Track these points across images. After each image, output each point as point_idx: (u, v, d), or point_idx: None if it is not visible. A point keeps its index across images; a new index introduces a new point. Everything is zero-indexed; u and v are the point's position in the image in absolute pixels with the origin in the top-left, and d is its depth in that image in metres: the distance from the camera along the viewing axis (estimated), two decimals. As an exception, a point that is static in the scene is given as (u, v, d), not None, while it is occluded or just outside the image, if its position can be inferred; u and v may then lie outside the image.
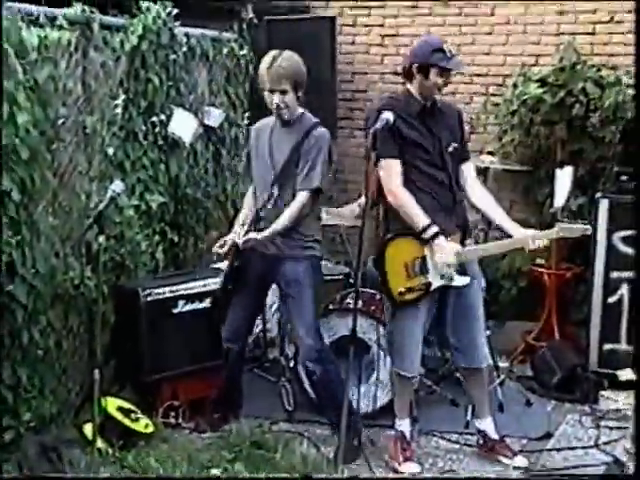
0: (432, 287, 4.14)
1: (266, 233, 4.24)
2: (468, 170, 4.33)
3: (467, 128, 4.42)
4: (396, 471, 4.23)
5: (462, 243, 4.19)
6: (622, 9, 6.07)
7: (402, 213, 4.08)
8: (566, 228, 4.18)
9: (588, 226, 4.18)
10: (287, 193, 4.37)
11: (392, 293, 4.17)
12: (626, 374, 2.83)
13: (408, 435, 4.39)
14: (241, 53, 6.14)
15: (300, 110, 4.43)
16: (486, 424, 4.44)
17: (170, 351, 4.77)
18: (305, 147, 4.37)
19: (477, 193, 4.29)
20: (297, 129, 4.42)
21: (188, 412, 4.72)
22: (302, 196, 4.28)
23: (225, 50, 6.02)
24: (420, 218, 4.04)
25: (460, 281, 4.14)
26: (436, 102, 4.19)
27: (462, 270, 4.13)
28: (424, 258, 4.10)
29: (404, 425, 4.39)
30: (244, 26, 6.19)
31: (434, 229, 4.02)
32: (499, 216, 4.24)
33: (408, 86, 4.15)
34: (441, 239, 4.05)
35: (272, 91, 4.30)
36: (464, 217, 4.25)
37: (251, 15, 6.18)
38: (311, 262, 4.42)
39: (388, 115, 3.94)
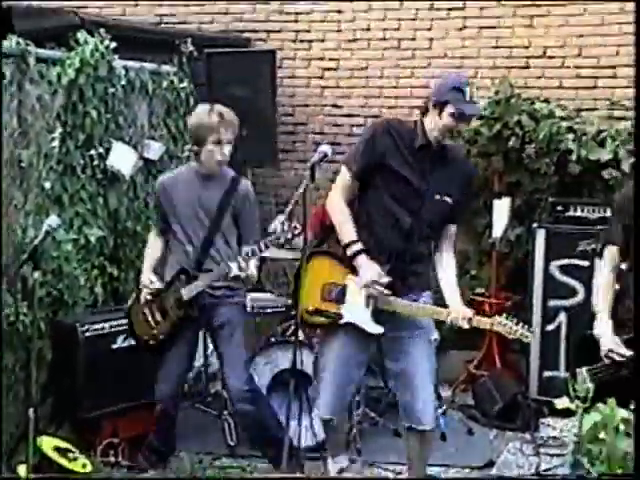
0: (342, 320, 3.87)
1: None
2: (450, 233, 3.98)
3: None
4: None
5: (394, 289, 3.82)
6: (554, 44, 6.25)
7: (334, 222, 3.90)
8: (502, 323, 3.76)
9: (529, 334, 3.79)
10: (220, 245, 4.40)
11: (301, 309, 3.91)
12: (563, 402, 2.87)
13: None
14: (181, 86, 6.12)
15: None
16: None
17: (109, 387, 4.70)
18: (237, 200, 4.40)
19: (443, 258, 3.96)
20: (219, 181, 4.42)
21: (128, 450, 4.65)
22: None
23: (165, 83, 5.98)
24: (348, 232, 3.82)
25: (373, 328, 3.85)
26: (445, 147, 3.85)
27: (381, 318, 3.85)
28: (344, 287, 3.88)
29: (341, 460, 4.31)
30: (184, 59, 6.16)
31: (357, 247, 3.78)
32: (448, 285, 3.91)
33: (422, 118, 3.83)
34: (361, 258, 3.77)
35: (220, 142, 4.28)
36: (411, 266, 3.88)
37: (190, 48, 6.16)
38: (241, 307, 4.50)
39: (326, 148, 3.81)
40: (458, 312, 3.76)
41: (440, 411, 5.20)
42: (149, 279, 4.41)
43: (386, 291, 3.78)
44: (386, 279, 3.76)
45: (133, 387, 4.76)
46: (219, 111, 4.31)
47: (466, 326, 3.74)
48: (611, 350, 3.81)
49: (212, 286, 4.32)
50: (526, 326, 3.76)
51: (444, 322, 3.82)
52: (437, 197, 3.81)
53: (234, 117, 4.35)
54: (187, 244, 4.43)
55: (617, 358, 3.77)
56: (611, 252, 4.05)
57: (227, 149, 4.31)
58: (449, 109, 3.67)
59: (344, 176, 3.88)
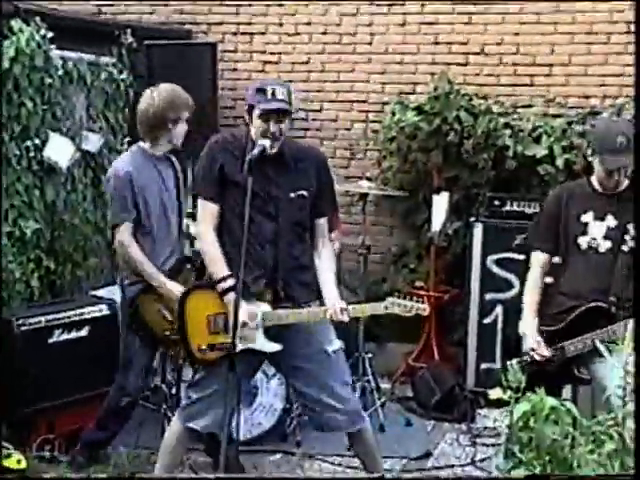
0: (237, 349, 3.55)
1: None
2: (321, 228, 3.90)
3: (333, 176, 4.05)
4: None
5: (277, 305, 3.73)
6: (492, 42, 6.34)
7: (206, 260, 3.79)
8: (396, 303, 3.72)
9: (424, 305, 3.74)
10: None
11: (191, 349, 3.79)
12: (496, 393, 2.91)
13: None
14: (120, 77, 6.13)
15: None
16: None
17: (46, 382, 4.66)
18: (179, 175, 4.50)
19: (320, 254, 3.87)
20: (165, 161, 4.48)
21: (65, 445, 4.61)
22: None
23: (103, 74, 5.98)
24: (218, 269, 3.69)
25: (270, 347, 3.73)
26: (284, 147, 3.74)
27: (279, 334, 3.73)
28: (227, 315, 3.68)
29: None
30: (123, 51, 6.17)
31: (227, 284, 3.64)
32: (325, 281, 3.81)
33: (248, 128, 3.77)
34: (230, 297, 3.60)
35: (178, 121, 4.35)
36: (290, 277, 3.77)
37: (130, 40, 6.16)
38: None
39: (265, 142, 3.60)
40: (334, 307, 3.67)
41: (378, 404, 5.26)
42: (173, 287, 4.26)
43: (263, 308, 3.69)
44: (259, 316, 3.67)
45: (70, 382, 4.73)
46: (170, 89, 4.39)
47: (346, 318, 3.66)
48: (533, 349, 3.93)
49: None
50: (420, 299, 3.74)
51: (382, 317, 3.81)
52: (292, 195, 3.74)
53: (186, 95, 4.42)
54: (166, 230, 4.42)
55: (537, 358, 3.90)
56: (535, 255, 4.16)
57: (185, 127, 4.39)
58: (256, 111, 3.63)
59: (202, 205, 3.78)
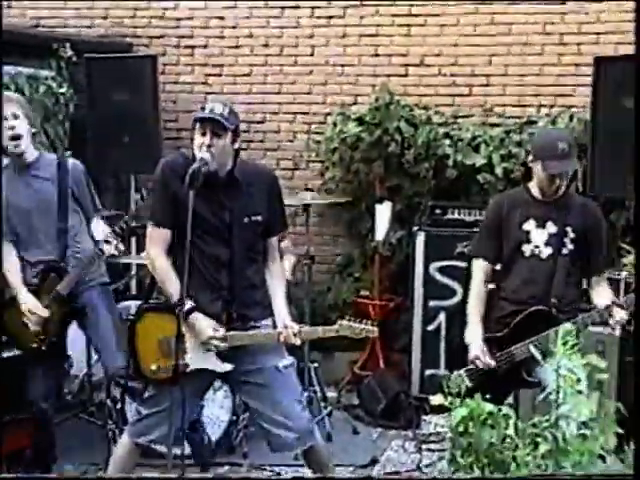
0: (189, 369, 3.67)
1: None
2: (270, 246, 3.92)
3: (283, 196, 4.04)
4: None
5: (230, 325, 3.74)
6: (431, 53, 6.43)
7: (158, 280, 3.79)
8: (347, 327, 3.80)
9: (373, 328, 3.79)
10: (74, 230, 4.44)
11: (144, 371, 3.80)
12: (437, 399, 2.96)
13: None
14: (60, 91, 6.07)
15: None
16: None
17: None
18: (72, 181, 4.42)
19: (271, 272, 3.88)
20: (46, 168, 4.42)
21: (5, 465, 4.48)
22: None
23: (42, 88, 5.92)
24: (174, 292, 3.64)
25: (221, 367, 3.76)
26: (234, 168, 3.73)
27: (228, 355, 3.74)
28: (182, 336, 3.61)
29: None
30: (63, 64, 6.13)
31: (187, 305, 3.61)
32: (277, 300, 3.84)
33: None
34: (194, 316, 3.66)
35: None
36: (244, 298, 3.78)
37: (70, 53, 6.13)
38: (101, 288, 4.51)
39: (206, 155, 3.56)
40: (287, 330, 3.71)
41: (325, 413, 5.31)
42: (34, 307, 4.30)
43: (222, 334, 3.69)
44: (221, 331, 3.69)
45: (10, 400, 4.53)
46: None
47: (298, 342, 3.74)
48: (477, 357, 3.98)
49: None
50: (368, 322, 3.81)
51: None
52: (246, 220, 3.73)
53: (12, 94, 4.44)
54: (37, 242, 4.38)
55: (481, 366, 3.95)
56: (477, 264, 4.21)
57: (11, 125, 4.27)
58: (194, 123, 3.63)
59: (153, 229, 3.77)
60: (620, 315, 3.82)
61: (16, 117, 4.28)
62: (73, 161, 4.52)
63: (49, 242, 4.39)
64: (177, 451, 3.80)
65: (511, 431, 2.79)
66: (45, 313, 4.33)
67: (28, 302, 4.33)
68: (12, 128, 4.27)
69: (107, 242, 4.35)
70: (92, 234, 4.46)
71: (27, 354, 4.47)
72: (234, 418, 4.98)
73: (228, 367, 3.74)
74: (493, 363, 3.99)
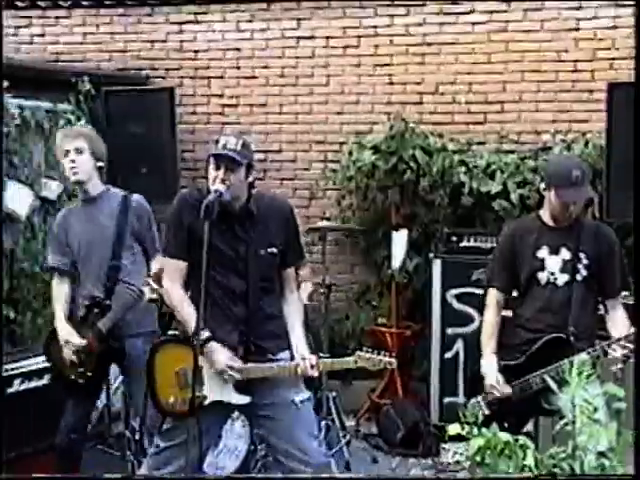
0: (207, 401, 3.71)
1: None
2: (287, 277, 3.91)
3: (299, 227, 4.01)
4: None
5: (248, 357, 3.74)
6: (446, 81, 6.47)
7: (177, 316, 3.80)
8: (365, 359, 3.79)
9: (391, 359, 3.78)
10: (127, 268, 4.39)
11: (161, 403, 3.80)
12: (455, 428, 2.95)
13: None
14: (79, 124, 6.05)
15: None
16: None
17: (7, 433, 4.51)
18: (134, 217, 4.42)
19: (288, 304, 3.87)
20: (108, 203, 4.44)
21: None
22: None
23: (62, 121, 5.95)
24: (190, 323, 3.65)
25: (238, 399, 3.76)
26: (249, 200, 3.75)
27: (245, 387, 3.75)
28: (199, 368, 3.64)
29: None
30: (81, 97, 6.19)
31: (203, 335, 3.62)
32: (294, 332, 3.83)
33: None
34: (211, 345, 3.66)
35: (67, 153, 4.36)
36: (260, 330, 3.78)
37: (88, 86, 6.19)
38: (151, 338, 4.42)
39: (221, 187, 3.61)
40: (304, 362, 3.70)
41: (343, 442, 5.25)
42: (69, 336, 4.29)
43: (239, 365, 3.69)
44: (238, 362, 3.69)
45: (30, 432, 4.70)
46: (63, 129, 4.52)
47: (315, 374, 3.73)
48: (493, 387, 3.98)
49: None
50: (386, 353, 3.78)
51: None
52: (262, 252, 3.74)
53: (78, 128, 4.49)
54: (90, 275, 4.39)
55: (498, 395, 3.95)
56: (492, 293, 4.20)
57: (72, 159, 4.32)
58: (211, 165, 3.65)
59: (169, 262, 3.80)
60: (623, 348, 3.78)
61: (79, 152, 4.33)
62: (138, 198, 4.50)
63: (101, 277, 4.39)
64: None
65: (529, 461, 2.77)
66: (78, 341, 4.30)
67: (63, 331, 4.33)
68: (72, 161, 4.32)
69: (148, 284, 4.32)
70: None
71: (65, 385, 4.44)
72: (252, 448, 4.92)
73: (246, 400, 3.74)
74: (510, 391, 3.97)
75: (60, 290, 4.46)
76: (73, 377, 4.38)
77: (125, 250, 4.41)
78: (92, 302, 4.37)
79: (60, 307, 4.42)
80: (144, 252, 4.50)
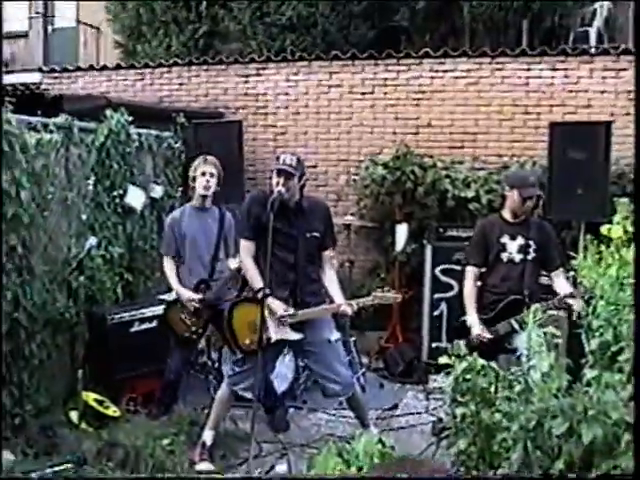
0: (272, 340, 3.80)
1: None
2: (326, 256, 3.99)
3: (334, 220, 4.11)
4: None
5: (296, 308, 3.82)
6: (435, 118, 6.48)
7: (248, 279, 3.88)
8: (380, 296, 3.92)
9: (398, 295, 3.99)
10: (220, 260, 4.54)
11: (240, 345, 3.91)
12: (443, 359, 3.12)
13: (208, 443, 4.06)
14: (176, 146, 6.17)
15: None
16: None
17: (129, 358, 4.73)
18: (226, 226, 4.53)
19: (326, 274, 3.97)
20: (212, 213, 4.53)
21: (142, 402, 4.68)
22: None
23: (165, 144, 6.03)
24: (256, 283, 3.77)
25: (293, 336, 3.83)
26: (301, 199, 3.85)
27: (297, 328, 3.83)
28: (264, 318, 3.74)
29: (207, 435, 4.08)
30: (178, 127, 6.23)
31: (266, 292, 3.72)
32: (333, 290, 3.93)
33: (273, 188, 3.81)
34: (270, 300, 3.74)
35: (203, 174, 4.44)
36: (305, 289, 3.86)
37: (182, 120, 6.24)
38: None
39: (282, 189, 3.69)
40: (344, 304, 3.84)
41: (360, 372, 5.30)
42: (191, 296, 4.43)
43: (292, 311, 3.80)
44: (291, 310, 3.78)
45: (145, 358, 4.79)
46: (207, 157, 4.51)
47: (350, 311, 3.84)
48: (479, 335, 4.05)
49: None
50: (393, 291, 3.97)
51: (362, 312, 3.96)
52: (308, 235, 3.84)
53: (214, 159, 4.51)
54: (197, 262, 4.50)
55: (482, 339, 4.01)
56: (470, 269, 4.25)
57: (207, 179, 4.41)
58: (274, 174, 3.77)
59: (243, 243, 3.88)
60: (572, 302, 3.86)
61: (212, 176, 4.45)
62: (229, 214, 4.63)
63: (206, 264, 4.51)
64: (250, 396, 3.91)
65: (495, 380, 2.94)
66: (198, 297, 4.41)
67: (185, 294, 4.45)
68: (207, 181, 4.43)
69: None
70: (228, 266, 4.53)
71: (176, 339, 4.57)
72: (297, 375, 5.03)
73: (299, 336, 3.86)
74: (491, 336, 4.03)
75: (172, 269, 4.54)
76: (187, 334, 4.51)
77: (221, 248, 4.55)
78: (201, 280, 4.50)
79: (176, 282, 4.50)
80: (226, 249, 4.61)
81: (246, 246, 3.88)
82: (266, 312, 3.75)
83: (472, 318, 4.15)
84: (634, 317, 2.47)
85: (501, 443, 2.63)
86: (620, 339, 2.58)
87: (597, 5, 9.43)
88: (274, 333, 3.82)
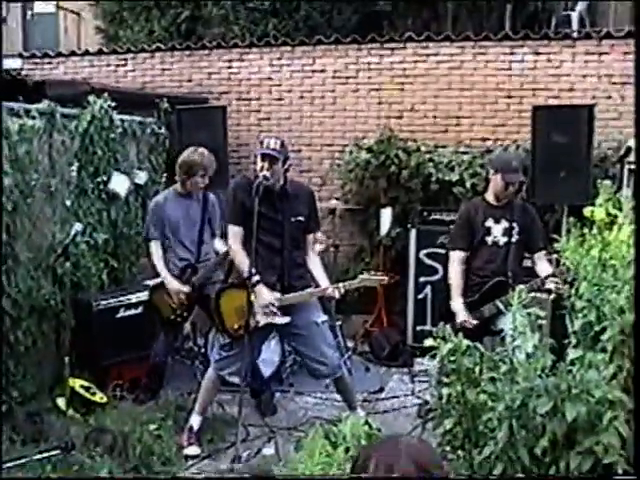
0: (260, 324, 3.84)
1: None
2: (310, 240, 4.03)
3: (318, 204, 4.14)
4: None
5: (283, 292, 3.85)
6: (419, 102, 6.44)
7: (236, 264, 3.88)
8: (366, 279, 3.93)
9: (385, 277, 4.02)
10: (206, 241, 4.55)
11: (227, 329, 3.92)
12: (429, 342, 3.13)
13: (196, 428, 4.07)
14: (160, 132, 6.14)
15: None
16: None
17: (115, 345, 4.75)
18: (210, 209, 4.54)
19: (310, 257, 4.01)
20: (196, 198, 4.55)
21: (129, 388, 4.68)
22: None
23: (148, 130, 5.98)
24: (246, 269, 3.76)
25: (280, 320, 3.84)
26: (285, 184, 3.85)
27: (285, 312, 3.84)
28: (252, 303, 3.78)
29: (195, 420, 4.09)
30: (161, 113, 6.16)
31: (254, 279, 3.74)
32: (318, 273, 3.96)
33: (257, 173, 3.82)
34: (259, 287, 3.76)
35: (204, 175, 4.47)
36: (292, 273, 3.88)
37: (166, 105, 6.18)
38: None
39: (267, 173, 3.70)
40: (331, 287, 3.86)
41: (346, 356, 5.31)
42: (180, 288, 4.42)
43: (279, 296, 3.81)
44: (278, 297, 3.79)
45: (131, 344, 4.81)
46: (204, 153, 4.45)
47: (337, 295, 3.85)
48: (464, 320, 4.04)
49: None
50: (379, 273, 4.00)
51: (348, 295, 3.95)
52: (292, 220, 3.85)
53: (211, 157, 4.50)
54: (183, 246, 4.51)
55: (467, 325, 3.98)
56: (456, 253, 4.23)
57: (204, 181, 4.48)
58: (257, 155, 3.79)
59: (231, 228, 3.88)
60: (554, 283, 3.88)
61: (206, 174, 4.47)
62: (213, 197, 4.63)
63: (191, 247, 4.52)
64: (237, 380, 3.98)
65: (480, 360, 2.96)
66: (186, 289, 4.42)
67: (174, 285, 4.45)
68: (204, 182, 4.47)
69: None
70: (215, 248, 4.55)
71: (162, 321, 4.58)
72: (283, 359, 5.03)
73: (286, 319, 3.87)
74: (475, 322, 4.03)
75: (158, 254, 4.51)
76: (172, 317, 4.51)
77: (205, 230, 4.55)
78: (187, 265, 4.50)
79: (163, 267, 4.48)
80: (211, 230, 4.62)
81: (234, 231, 3.87)
82: (253, 297, 3.75)
83: (457, 304, 4.16)
84: (634, 308, 2.47)
85: (487, 423, 2.66)
86: (603, 319, 2.61)
87: (579, -10, 9.43)
88: (262, 317, 3.84)
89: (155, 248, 4.55)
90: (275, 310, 3.82)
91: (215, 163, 4.54)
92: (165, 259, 4.54)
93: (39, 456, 3.49)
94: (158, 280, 4.59)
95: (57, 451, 3.56)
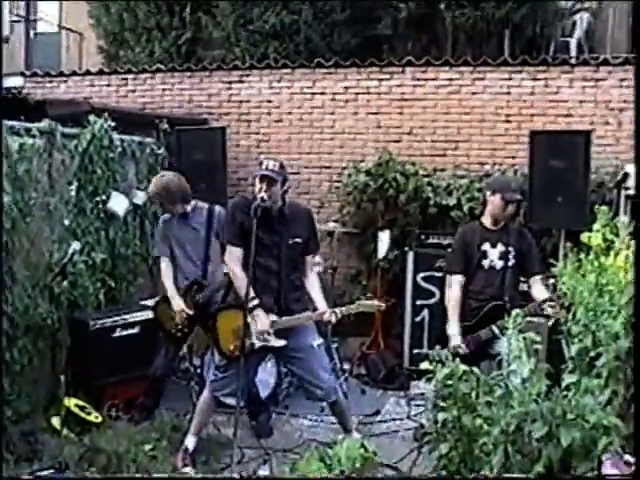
0: (255, 346, 3.81)
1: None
2: (308, 262, 3.98)
3: (317, 225, 4.13)
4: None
5: (280, 315, 3.84)
6: (417, 126, 6.50)
7: (236, 287, 3.84)
8: (364, 304, 3.93)
9: (382, 304, 4.02)
10: (213, 259, 4.54)
11: (223, 350, 3.91)
12: (425, 365, 3.14)
13: (191, 449, 4.05)
14: (159, 152, 6.16)
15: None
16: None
17: (111, 364, 4.76)
18: (216, 223, 4.50)
19: (308, 279, 3.98)
20: (200, 213, 4.54)
21: (124, 407, 4.68)
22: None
23: (147, 150, 6.01)
24: (244, 291, 3.71)
25: (276, 343, 3.82)
26: (283, 205, 3.83)
27: (281, 334, 3.82)
28: (248, 325, 3.75)
29: (190, 441, 4.08)
30: (161, 134, 6.21)
31: (254, 302, 3.72)
32: (316, 295, 3.93)
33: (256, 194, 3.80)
34: (257, 311, 3.74)
35: (187, 201, 4.49)
36: (289, 296, 3.86)
37: (165, 126, 6.23)
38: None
39: (264, 195, 3.67)
40: (328, 312, 3.83)
41: (342, 378, 5.30)
42: (183, 309, 4.43)
43: (275, 318, 3.79)
44: (274, 320, 3.78)
45: (127, 364, 4.81)
46: (180, 178, 4.46)
47: (334, 319, 3.82)
48: (458, 346, 4.03)
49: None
50: (375, 299, 4.01)
51: (344, 318, 3.89)
52: (290, 242, 3.82)
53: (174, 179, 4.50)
54: (189, 262, 4.52)
55: (460, 352, 3.92)
56: (455, 277, 4.22)
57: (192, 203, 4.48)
58: (257, 180, 3.76)
59: (229, 249, 3.84)
60: (552, 308, 3.86)
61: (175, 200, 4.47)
62: (219, 209, 4.55)
63: (198, 265, 4.52)
64: (232, 402, 3.93)
65: (477, 385, 2.97)
66: (191, 312, 4.43)
67: (180, 304, 4.45)
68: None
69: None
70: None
71: (164, 336, 4.59)
72: (279, 381, 5.03)
73: (282, 342, 3.86)
74: (468, 350, 4.01)
75: (167, 272, 4.52)
76: (173, 331, 4.52)
77: (212, 247, 4.51)
78: (193, 281, 4.50)
79: (171, 284, 4.48)
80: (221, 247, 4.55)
81: (233, 252, 3.85)
82: (250, 319, 3.74)
83: (453, 328, 4.16)
84: (634, 318, 2.47)
85: (482, 447, 2.66)
86: (598, 345, 2.62)
87: (577, 17, 9.58)
88: (257, 339, 3.83)
89: (165, 265, 4.58)
90: (271, 336, 3.81)
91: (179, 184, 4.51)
92: (174, 275, 4.57)
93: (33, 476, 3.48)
94: (157, 299, 4.62)
95: (51, 471, 3.54)
